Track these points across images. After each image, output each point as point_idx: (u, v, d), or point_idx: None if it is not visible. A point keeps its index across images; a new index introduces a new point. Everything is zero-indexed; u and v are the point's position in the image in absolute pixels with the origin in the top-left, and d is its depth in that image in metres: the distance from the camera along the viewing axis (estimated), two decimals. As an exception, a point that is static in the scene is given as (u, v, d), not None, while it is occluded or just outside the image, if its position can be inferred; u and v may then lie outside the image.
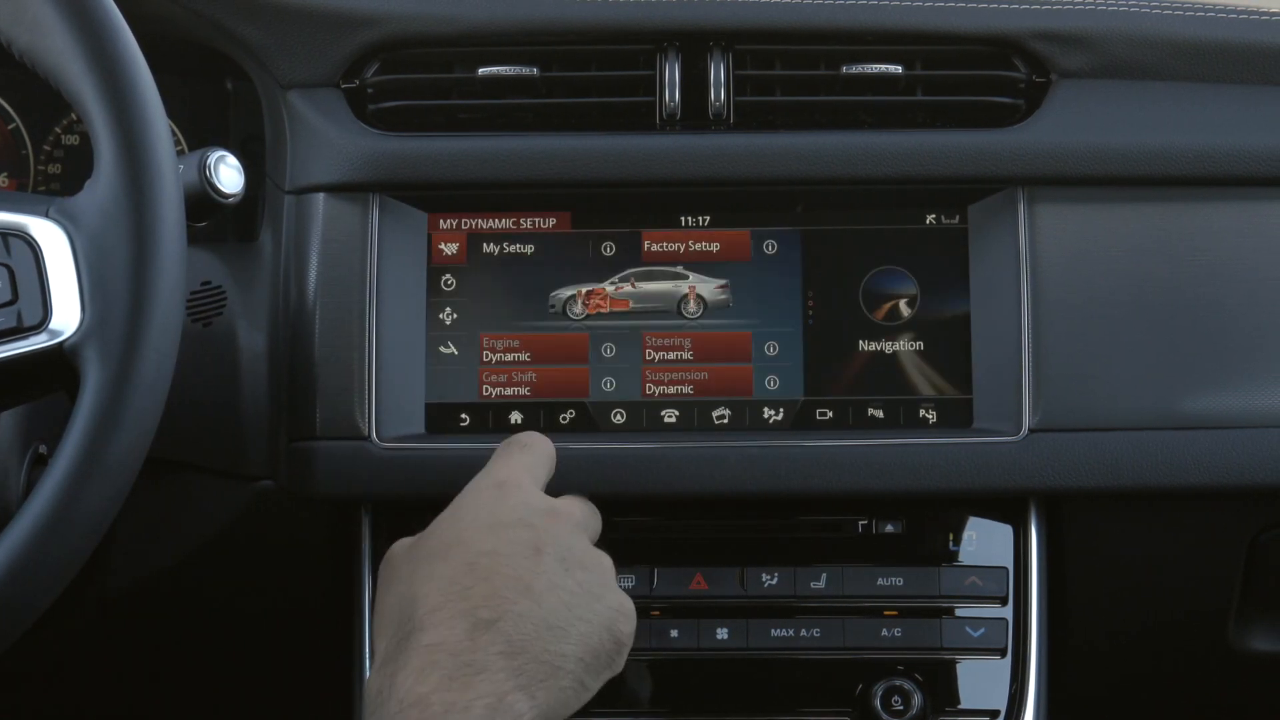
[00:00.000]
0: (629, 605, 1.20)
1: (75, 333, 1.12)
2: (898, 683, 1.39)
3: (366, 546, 1.43)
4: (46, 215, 1.15)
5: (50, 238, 1.14)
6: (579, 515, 1.24)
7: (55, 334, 1.12)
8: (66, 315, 1.13)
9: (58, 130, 1.61)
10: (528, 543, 1.16)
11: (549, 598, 1.14)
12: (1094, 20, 1.48)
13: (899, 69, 1.46)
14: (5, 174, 1.61)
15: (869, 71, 1.46)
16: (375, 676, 1.12)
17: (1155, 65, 1.48)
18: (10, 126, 1.61)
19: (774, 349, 1.42)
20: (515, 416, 1.41)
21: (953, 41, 1.48)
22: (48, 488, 1.11)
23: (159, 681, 1.67)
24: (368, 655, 1.40)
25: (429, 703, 1.06)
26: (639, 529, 1.42)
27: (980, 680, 1.40)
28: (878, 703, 1.38)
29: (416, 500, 1.38)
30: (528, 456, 1.27)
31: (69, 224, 1.14)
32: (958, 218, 1.43)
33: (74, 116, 1.61)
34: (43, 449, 1.38)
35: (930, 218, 1.43)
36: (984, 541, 1.43)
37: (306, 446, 1.40)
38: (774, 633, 1.40)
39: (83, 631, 1.52)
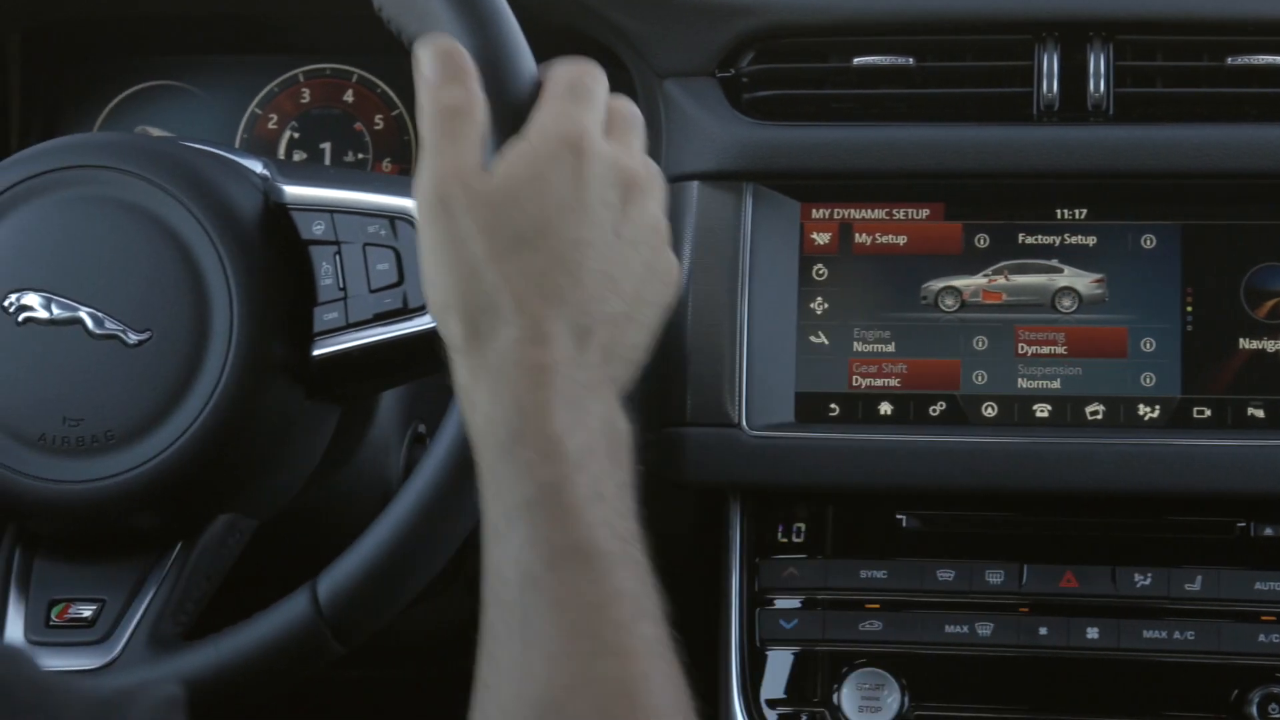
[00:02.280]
0: (675, 267, 1.11)
1: None
2: (1276, 690, 1.35)
3: (736, 534, 1.43)
4: None
5: None
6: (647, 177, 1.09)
7: None
8: None
9: (439, 117, 1.65)
10: (610, 227, 1.04)
11: (625, 285, 1.04)
12: None
13: None
14: (389, 159, 1.67)
15: (1256, 63, 1.42)
16: (461, 371, 1.02)
17: None
18: (394, 113, 1.66)
19: (1150, 345, 1.38)
20: (885, 407, 1.40)
21: None
22: (428, 469, 1.14)
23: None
24: (735, 641, 1.41)
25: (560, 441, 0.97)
26: (1008, 524, 1.41)
27: (1366, 692, 1.36)
28: (1254, 709, 1.34)
29: (785, 489, 1.39)
30: (585, 107, 1.08)
31: None
32: None
33: (454, 103, 1.65)
34: (421, 429, 1.43)
35: None
36: (1370, 548, 1.38)
37: (677, 432, 1.42)
38: (1146, 634, 1.37)
39: (449, 609, 1.56)
